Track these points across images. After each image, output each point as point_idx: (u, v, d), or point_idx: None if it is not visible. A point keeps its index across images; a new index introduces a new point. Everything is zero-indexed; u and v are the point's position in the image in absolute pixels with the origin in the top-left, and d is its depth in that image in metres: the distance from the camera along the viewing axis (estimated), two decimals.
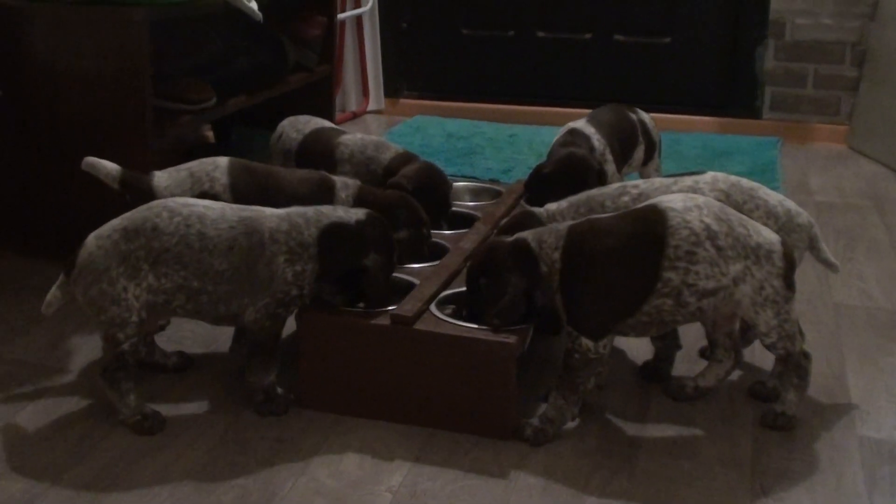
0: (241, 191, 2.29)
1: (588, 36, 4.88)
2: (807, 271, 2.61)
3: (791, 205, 2.18)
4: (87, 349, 2.36)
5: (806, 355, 2.02)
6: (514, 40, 4.98)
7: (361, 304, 2.07)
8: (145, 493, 1.81)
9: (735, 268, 1.91)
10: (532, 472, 1.88)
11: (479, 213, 2.63)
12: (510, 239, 2.00)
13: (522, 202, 2.67)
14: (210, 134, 4.06)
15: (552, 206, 2.28)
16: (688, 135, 4.50)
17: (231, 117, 3.50)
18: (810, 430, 2.04)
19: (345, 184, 2.39)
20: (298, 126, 2.87)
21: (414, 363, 1.99)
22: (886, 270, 2.94)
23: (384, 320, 2.00)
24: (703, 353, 2.32)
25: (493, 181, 3.35)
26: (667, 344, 2.22)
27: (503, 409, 1.97)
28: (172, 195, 2.23)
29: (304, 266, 2.01)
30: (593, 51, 4.89)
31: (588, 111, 2.99)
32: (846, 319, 2.58)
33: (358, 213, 2.09)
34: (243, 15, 3.04)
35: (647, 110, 3.08)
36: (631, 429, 2.04)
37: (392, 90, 5.11)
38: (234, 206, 2.08)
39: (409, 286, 2.15)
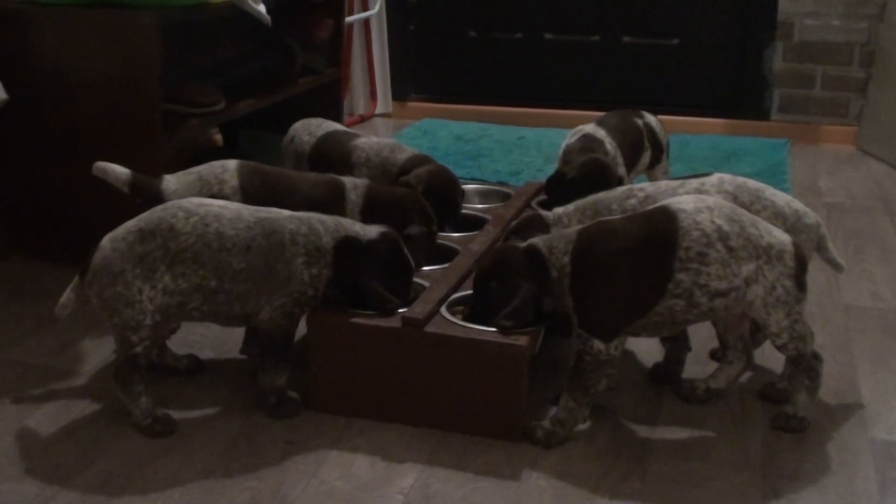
0: (251, 193, 2.29)
1: (596, 38, 4.89)
2: (816, 273, 2.61)
3: (799, 205, 2.18)
4: (97, 352, 2.37)
5: (817, 356, 2.02)
6: (521, 42, 4.99)
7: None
8: (157, 496, 1.82)
9: (747, 268, 1.91)
10: (543, 474, 1.88)
11: (488, 216, 2.64)
12: (522, 245, 2.01)
13: (533, 204, 2.68)
14: (218, 137, 4.06)
15: (559, 210, 2.29)
16: (696, 136, 4.50)
17: (239, 120, 3.51)
18: (821, 432, 2.04)
19: (354, 184, 2.40)
20: (311, 129, 2.88)
21: (425, 365, 2.00)
22: None
23: (395, 322, 2.01)
24: (713, 355, 2.32)
25: (501, 183, 3.35)
26: (677, 346, 2.22)
27: (514, 411, 1.97)
28: (182, 198, 2.24)
29: (320, 270, 2.03)
30: (601, 52, 4.89)
31: (596, 113, 2.99)
32: (856, 321, 2.59)
33: (372, 233, 2.10)
34: (252, 18, 3.05)
35: (656, 112, 3.09)
36: (642, 431, 2.05)
37: (400, 93, 5.12)
38: (249, 206, 2.09)
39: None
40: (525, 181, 3.46)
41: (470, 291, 2.12)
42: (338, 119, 3.83)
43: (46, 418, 2.10)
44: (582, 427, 2.03)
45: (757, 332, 2.22)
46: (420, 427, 2.03)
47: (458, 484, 1.86)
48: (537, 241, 2.00)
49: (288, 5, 3.48)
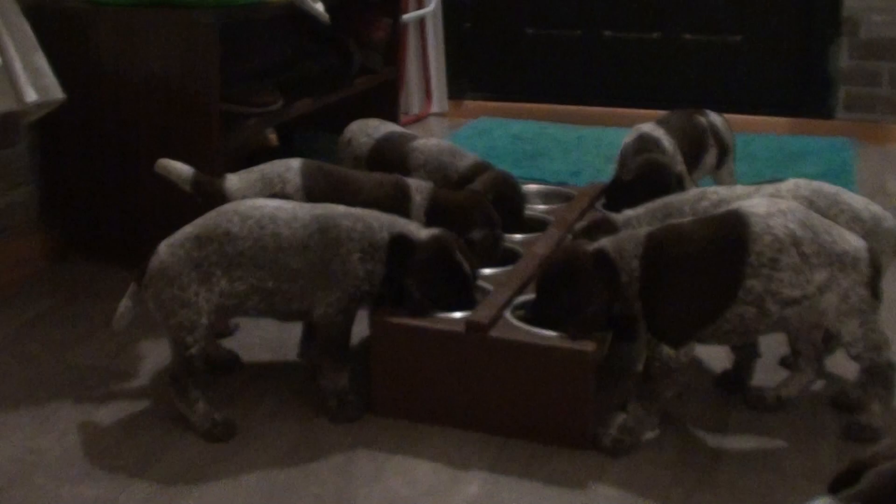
0: (314, 193, 2.29)
1: (656, 35, 4.85)
2: (893, 278, 2.56)
3: (877, 208, 2.15)
4: (155, 353, 2.38)
5: (892, 366, 1.98)
6: (580, 40, 4.96)
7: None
8: (216, 502, 1.82)
9: (820, 276, 1.88)
10: (611, 483, 1.87)
11: (550, 217, 2.62)
12: (590, 248, 1.98)
13: (597, 206, 2.66)
14: (273, 137, 4.07)
15: (629, 212, 2.27)
16: (759, 136, 4.44)
17: (294, 120, 3.51)
18: None
19: (419, 187, 2.39)
20: (368, 131, 2.86)
21: (489, 370, 1.99)
22: None
23: (459, 326, 2.00)
24: (783, 362, 2.29)
25: (561, 184, 3.33)
26: (746, 352, 2.19)
27: (581, 418, 1.95)
28: (244, 197, 2.26)
29: (375, 266, 2.04)
30: (662, 50, 4.85)
31: (656, 112, 2.97)
32: None
33: (424, 235, 2.09)
34: (310, 17, 3.05)
35: (717, 111, 3.05)
36: (711, 440, 2.02)
37: (455, 92, 5.11)
38: (305, 204, 2.11)
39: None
40: (585, 181, 3.44)
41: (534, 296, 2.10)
42: (394, 119, 3.83)
43: (106, 421, 2.11)
44: (650, 435, 2.01)
45: (829, 339, 2.18)
46: (484, 433, 2.02)
47: (523, 493, 1.84)
48: (606, 244, 1.97)
49: (345, 4, 3.49)
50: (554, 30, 5.00)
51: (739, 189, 2.24)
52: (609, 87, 4.95)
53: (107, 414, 2.14)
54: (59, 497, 1.84)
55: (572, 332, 1.94)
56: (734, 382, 2.20)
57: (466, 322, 1.99)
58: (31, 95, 2.43)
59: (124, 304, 2.06)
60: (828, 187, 2.18)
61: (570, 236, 2.36)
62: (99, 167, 2.89)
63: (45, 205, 2.99)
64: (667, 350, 1.89)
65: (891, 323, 2.48)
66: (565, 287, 1.98)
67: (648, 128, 2.80)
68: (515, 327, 2.00)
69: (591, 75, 4.97)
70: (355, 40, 3.68)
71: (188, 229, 2.03)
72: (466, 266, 2.09)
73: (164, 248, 2.02)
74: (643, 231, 1.98)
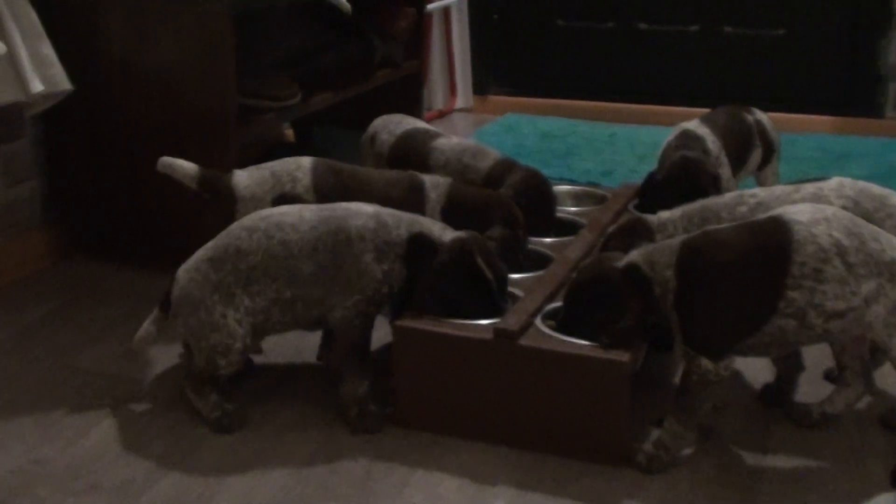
0: (325, 192, 2.31)
1: (694, 28, 4.84)
2: None
3: None
4: (164, 359, 2.40)
5: None
6: (613, 32, 4.96)
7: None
8: None
9: (867, 287, 1.87)
10: (646, 502, 1.86)
11: (582, 219, 2.62)
12: (620, 265, 1.97)
13: (630, 208, 2.66)
14: (290, 132, 4.09)
15: (664, 214, 2.27)
16: (803, 136, 4.43)
17: (312, 115, 3.52)
18: None
19: (435, 183, 2.40)
20: (390, 127, 2.87)
21: (518, 381, 1.99)
22: None
23: (486, 334, 2.00)
24: (828, 376, 2.28)
25: (592, 184, 3.33)
26: (789, 365, 2.18)
27: (614, 432, 1.95)
28: (252, 194, 2.29)
29: (392, 265, 2.05)
30: (700, 44, 4.84)
31: (692, 110, 2.96)
32: None
33: (447, 237, 2.10)
34: (330, 6, 3.06)
35: (758, 108, 3.05)
36: (751, 457, 2.02)
37: (481, 86, 5.11)
38: (312, 206, 2.13)
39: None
40: (617, 182, 3.44)
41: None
42: (417, 115, 3.83)
43: (112, 430, 2.12)
44: (687, 452, 2.00)
45: (877, 351, 2.18)
46: (512, 447, 2.02)
47: None
48: (637, 257, 1.96)
49: None
50: (586, 21, 4.99)
51: (778, 189, 2.23)
52: (643, 83, 4.94)
53: (114, 423, 2.15)
54: None
55: (605, 343, 1.94)
56: (776, 397, 2.19)
57: (495, 329, 1.99)
58: (36, 86, 2.45)
59: (146, 328, 2.12)
60: (875, 188, 2.17)
61: (602, 240, 2.36)
62: (106, 162, 2.91)
63: (50, 201, 3.01)
64: (706, 363, 1.89)
65: None
66: (595, 307, 1.97)
67: (692, 125, 2.80)
68: (546, 335, 2.00)
69: (624, 70, 4.97)
70: (377, 31, 3.69)
71: (202, 253, 2.09)
72: (488, 273, 2.09)
73: (182, 274, 2.08)
74: (677, 239, 1.98)
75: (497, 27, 5.11)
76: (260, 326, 2.07)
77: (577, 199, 2.87)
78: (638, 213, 2.41)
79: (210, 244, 2.09)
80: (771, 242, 1.90)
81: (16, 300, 2.74)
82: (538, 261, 2.39)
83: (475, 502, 1.87)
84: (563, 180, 3.57)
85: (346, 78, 3.47)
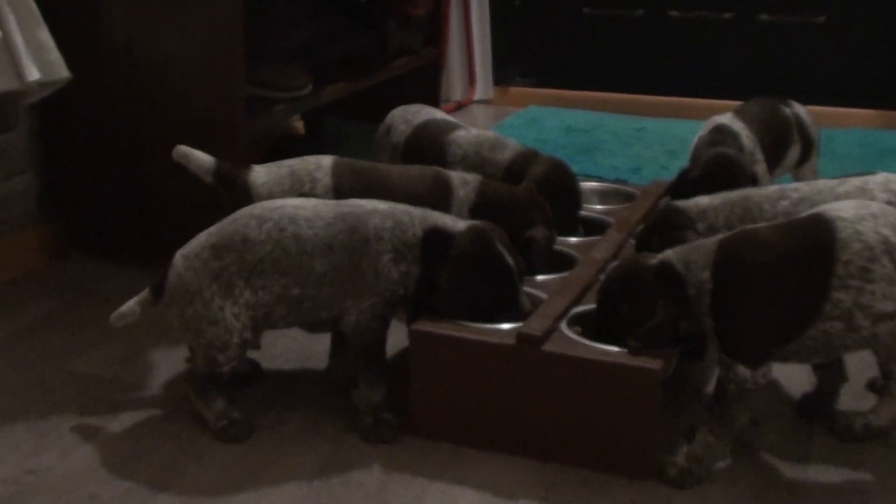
0: (345, 193, 2.30)
1: (728, 15, 4.84)
2: None
3: None
4: (167, 363, 2.40)
5: None
6: (642, 20, 4.96)
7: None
8: None
9: None
10: None
11: (610, 219, 2.62)
12: (653, 262, 1.97)
13: (661, 205, 2.65)
14: (299, 124, 4.09)
15: (703, 201, 2.27)
16: (844, 131, 4.42)
17: (324, 107, 3.52)
18: None
19: (463, 180, 2.39)
20: (408, 117, 2.86)
21: (541, 389, 1.98)
22: None
23: (509, 339, 1.99)
24: (872, 386, 2.27)
25: (620, 181, 3.33)
26: (831, 374, 2.17)
27: (644, 444, 1.95)
28: (270, 193, 2.28)
29: (409, 267, 2.05)
30: (734, 32, 4.84)
31: (725, 102, 2.95)
32: None
33: (461, 226, 2.09)
34: None
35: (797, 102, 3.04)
36: (790, 471, 2.01)
37: (502, 77, 5.11)
38: (328, 201, 2.12)
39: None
40: (646, 179, 3.43)
41: (592, 306, 2.10)
42: (435, 106, 3.83)
43: (113, 438, 2.13)
44: (721, 465, 1.99)
45: None
46: (534, 459, 2.01)
47: None
48: (671, 255, 1.96)
49: None
50: (613, 9, 5.00)
51: (821, 184, 2.24)
52: (674, 73, 4.95)
53: (114, 430, 2.15)
54: None
55: (634, 347, 1.94)
56: (817, 407, 2.18)
57: (518, 334, 1.99)
58: (33, 73, 2.45)
59: (130, 306, 2.10)
60: None
61: (634, 235, 2.36)
62: (106, 155, 2.91)
63: (46, 196, 3.02)
64: (743, 370, 1.88)
65: None
66: (625, 305, 1.97)
67: (726, 119, 2.79)
68: (572, 341, 2.00)
69: (654, 60, 4.97)
70: (393, 18, 3.69)
71: (203, 238, 2.07)
72: (509, 259, 2.08)
73: (179, 260, 2.06)
74: (714, 239, 1.97)
75: (519, 13, 5.12)
76: (261, 321, 2.05)
77: (604, 196, 2.86)
78: (671, 203, 2.39)
79: (214, 229, 2.07)
80: (814, 241, 1.89)
81: (9, 301, 2.74)
82: (563, 262, 2.38)
83: None
84: (588, 177, 3.56)
85: (360, 68, 3.48)
